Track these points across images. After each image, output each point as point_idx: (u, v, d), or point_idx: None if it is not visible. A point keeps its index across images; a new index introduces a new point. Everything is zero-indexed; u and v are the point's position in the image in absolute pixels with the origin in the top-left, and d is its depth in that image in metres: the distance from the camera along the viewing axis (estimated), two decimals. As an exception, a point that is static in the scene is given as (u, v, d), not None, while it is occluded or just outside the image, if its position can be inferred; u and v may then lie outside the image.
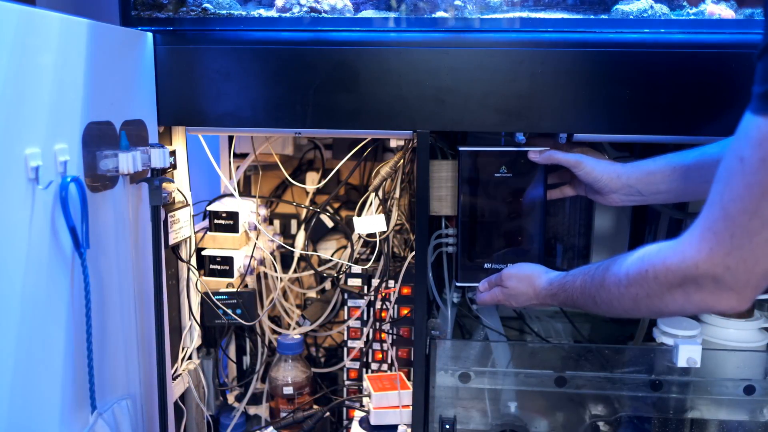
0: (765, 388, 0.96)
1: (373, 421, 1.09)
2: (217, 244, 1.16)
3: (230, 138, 1.24)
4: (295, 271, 1.24)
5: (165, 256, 1.02)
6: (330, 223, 1.31)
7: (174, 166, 1.05)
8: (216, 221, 1.15)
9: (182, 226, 1.07)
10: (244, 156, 1.25)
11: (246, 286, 1.18)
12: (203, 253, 1.15)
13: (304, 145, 1.35)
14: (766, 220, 0.57)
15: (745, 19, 0.94)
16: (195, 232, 1.13)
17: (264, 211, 1.22)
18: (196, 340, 1.16)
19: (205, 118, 0.98)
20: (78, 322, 0.77)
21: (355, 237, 1.17)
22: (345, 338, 1.20)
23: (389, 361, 1.18)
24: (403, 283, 1.13)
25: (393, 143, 1.08)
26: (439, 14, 0.97)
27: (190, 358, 1.14)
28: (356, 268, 1.17)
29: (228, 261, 1.14)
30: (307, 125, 0.97)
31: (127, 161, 0.83)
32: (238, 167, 1.22)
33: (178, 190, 1.07)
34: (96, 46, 0.81)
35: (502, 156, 1.00)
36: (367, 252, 1.19)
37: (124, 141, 0.86)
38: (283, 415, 1.18)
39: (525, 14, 0.97)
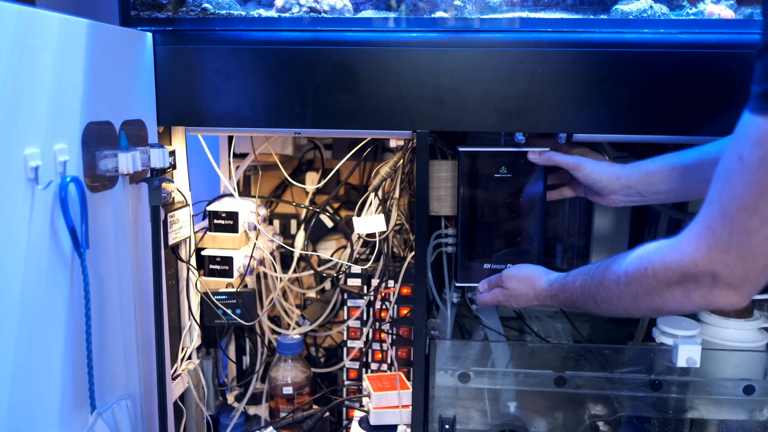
0: (764, 388, 0.96)
1: (372, 421, 1.09)
2: (216, 244, 1.16)
3: (230, 138, 1.24)
4: (294, 271, 1.25)
5: (164, 256, 1.02)
6: (330, 223, 1.31)
7: (173, 166, 1.05)
8: (216, 221, 1.15)
9: (182, 226, 1.07)
10: (243, 156, 1.25)
11: (246, 286, 1.18)
12: (203, 253, 1.15)
13: (303, 145, 1.35)
14: (765, 219, 0.57)
15: (744, 19, 0.94)
16: (195, 232, 1.13)
17: (264, 211, 1.22)
18: (196, 340, 1.16)
19: (205, 118, 0.98)
20: (77, 322, 0.77)
21: (354, 237, 1.17)
22: (345, 338, 1.20)
23: (389, 361, 1.18)
24: (403, 283, 1.13)
25: (393, 143, 1.08)
26: (439, 14, 0.97)
27: (189, 358, 1.15)
28: (356, 268, 1.17)
29: (228, 261, 1.14)
30: (307, 125, 0.97)
31: (127, 161, 0.83)
32: (237, 167, 1.22)
33: (178, 190, 1.07)
34: (95, 46, 0.81)
35: (501, 156, 1.00)
36: (367, 252, 1.19)
37: (123, 141, 0.86)
38: (282, 415, 1.18)
39: (524, 14, 0.97)
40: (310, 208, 1.27)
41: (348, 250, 1.20)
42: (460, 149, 1.00)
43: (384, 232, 1.10)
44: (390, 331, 1.16)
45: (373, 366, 1.19)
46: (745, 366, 0.97)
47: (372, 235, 1.12)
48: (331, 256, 1.27)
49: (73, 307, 0.77)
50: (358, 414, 1.15)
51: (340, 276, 1.19)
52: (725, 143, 0.61)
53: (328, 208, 1.30)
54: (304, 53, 0.95)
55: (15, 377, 0.68)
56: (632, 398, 0.99)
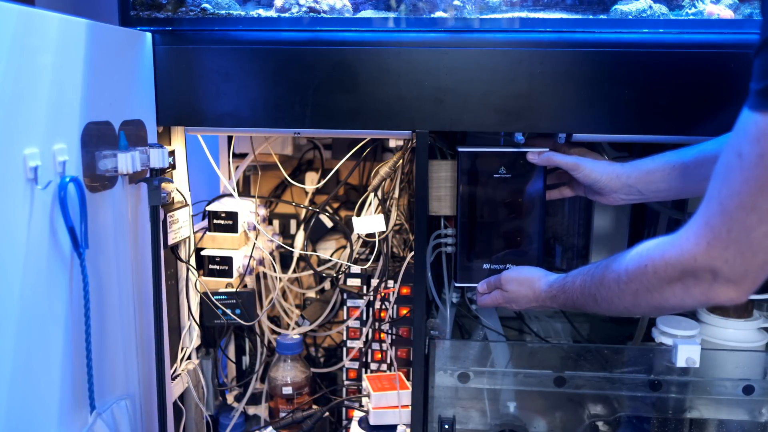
0: (764, 388, 0.96)
1: (372, 421, 1.09)
2: (216, 244, 1.16)
3: (229, 138, 1.24)
4: (294, 271, 1.25)
5: (164, 256, 1.02)
6: (329, 223, 1.31)
7: (173, 166, 1.05)
8: (215, 221, 1.15)
9: (181, 226, 1.07)
10: (243, 156, 1.25)
11: (245, 286, 1.18)
12: (202, 253, 1.15)
13: (303, 145, 1.35)
14: (764, 215, 0.57)
15: (744, 19, 0.94)
16: (194, 232, 1.13)
17: (263, 211, 1.22)
18: (196, 340, 1.16)
19: (204, 118, 0.98)
20: (77, 322, 0.77)
21: (354, 237, 1.17)
22: (344, 338, 1.20)
23: (388, 361, 1.18)
24: (403, 283, 1.13)
25: (392, 143, 1.08)
26: (438, 14, 0.97)
27: (189, 358, 1.14)
28: (355, 268, 1.17)
29: (227, 261, 1.14)
30: (306, 125, 0.97)
31: (126, 161, 0.83)
32: (237, 167, 1.22)
33: (177, 190, 1.07)
34: (95, 46, 0.81)
35: (501, 156, 1.00)
36: (367, 252, 1.19)
37: (123, 141, 0.86)
38: (282, 415, 1.18)
39: (524, 14, 0.97)
40: (310, 208, 1.27)
41: (347, 250, 1.20)
42: (460, 149, 1.00)
43: (383, 232, 1.10)
44: (389, 331, 1.16)
45: (373, 366, 1.19)
46: (744, 366, 0.97)
47: (371, 235, 1.12)
48: (331, 256, 1.28)
49: (73, 308, 0.77)
50: (357, 414, 1.15)
51: (340, 276, 1.19)
52: (725, 141, 0.61)
53: (327, 208, 1.30)
54: (303, 53, 0.95)
55: (14, 377, 0.68)
56: (632, 398, 0.99)
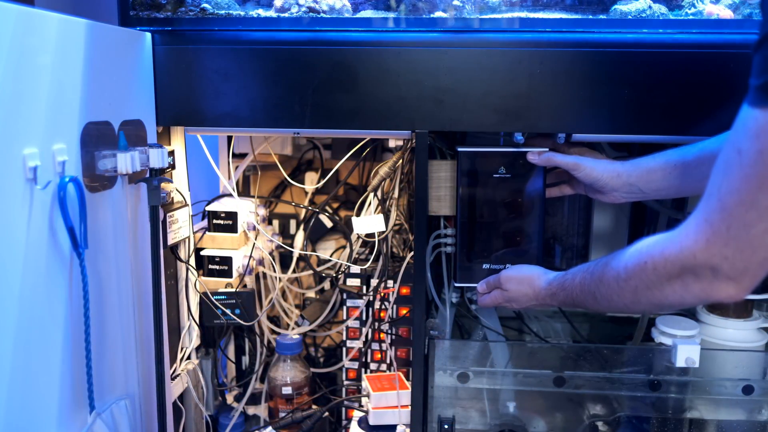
0: (763, 388, 0.96)
1: (371, 421, 1.09)
2: (215, 244, 1.16)
3: (229, 138, 1.24)
4: (294, 271, 1.25)
5: (164, 256, 1.02)
6: (329, 223, 1.31)
7: (173, 166, 1.05)
8: (215, 221, 1.15)
9: (181, 226, 1.07)
10: (243, 156, 1.25)
11: (245, 286, 1.18)
12: (202, 253, 1.15)
13: (303, 145, 1.35)
14: (763, 212, 0.57)
15: (743, 19, 0.94)
16: (194, 232, 1.13)
17: (263, 211, 1.22)
18: (195, 340, 1.16)
19: (204, 118, 0.98)
20: (76, 322, 0.77)
21: (354, 237, 1.17)
22: (344, 338, 1.20)
23: (388, 361, 1.18)
24: (402, 283, 1.13)
25: (392, 143, 1.08)
26: (438, 14, 0.97)
27: (188, 358, 1.14)
28: (355, 268, 1.17)
29: (227, 261, 1.14)
30: (306, 125, 0.97)
31: (126, 161, 0.83)
32: (237, 167, 1.22)
33: (177, 190, 1.07)
34: (94, 47, 0.81)
35: (500, 156, 1.00)
36: (366, 252, 1.19)
37: (122, 141, 0.86)
38: (281, 415, 1.18)
39: (524, 14, 0.97)
40: (310, 208, 1.27)
41: (347, 250, 1.20)
42: (459, 149, 1.00)
43: (383, 232, 1.10)
44: (389, 331, 1.16)
45: (373, 366, 1.19)
46: (744, 366, 0.97)
47: (371, 235, 1.12)
48: (331, 256, 1.27)
49: (72, 308, 0.76)
50: (357, 414, 1.15)
51: (340, 276, 1.19)
52: (726, 138, 0.61)
53: (327, 208, 1.30)
54: (303, 53, 0.95)
55: (14, 377, 0.68)
56: (631, 398, 0.99)
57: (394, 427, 1.08)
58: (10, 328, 0.67)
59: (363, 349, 1.19)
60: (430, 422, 1.02)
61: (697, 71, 0.91)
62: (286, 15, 1.00)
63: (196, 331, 1.15)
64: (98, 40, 0.82)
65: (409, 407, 1.05)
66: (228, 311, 1.15)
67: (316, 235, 1.33)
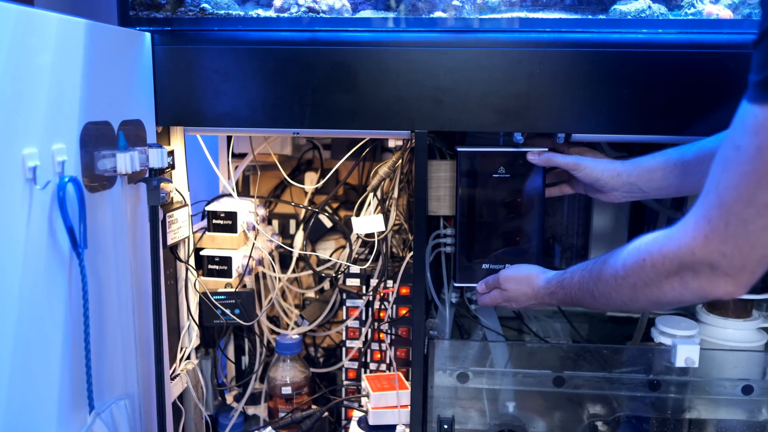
0: (763, 388, 0.96)
1: (371, 421, 1.09)
2: (215, 244, 1.16)
3: (229, 138, 1.24)
4: (293, 271, 1.25)
5: (163, 256, 1.02)
6: (328, 223, 1.31)
7: (172, 166, 1.05)
8: (214, 221, 1.15)
9: (180, 226, 1.07)
10: (242, 156, 1.25)
11: (244, 286, 1.18)
12: (202, 253, 1.15)
13: (302, 145, 1.35)
14: (762, 209, 0.57)
15: (742, 19, 0.94)
16: (193, 232, 1.13)
17: (262, 211, 1.22)
18: (195, 340, 1.16)
19: (204, 118, 0.98)
20: (76, 322, 0.77)
21: (353, 237, 1.17)
22: (343, 338, 1.20)
23: (388, 361, 1.18)
24: (402, 283, 1.13)
25: (391, 143, 1.08)
26: (438, 14, 0.97)
27: (188, 358, 1.14)
28: (355, 268, 1.17)
29: (226, 261, 1.14)
30: (306, 125, 0.97)
31: (125, 161, 0.83)
32: (236, 167, 1.22)
33: (177, 190, 1.07)
34: (94, 46, 0.81)
35: (500, 156, 1.00)
36: (366, 252, 1.19)
37: (122, 141, 0.86)
38: (281, 415, 1.18)
39: (523, 14, 0.97)
40: (309, 208, 1.27)
41: (347, 250, 1.20)
42: (459, 149, 1.00)
43: (383, 232, 1.10)
44: (389, 331, 1.16)
45: (372, 366, 1.19)
46: (743, 366, 0.97)
47: (371, 235, 1.12)
48: (330, 256, 1.27)
49: (72, 308, 0.76)
50: (356, 414, 1.15)
51: (339, 276, 1.19)
52: (724, 135, 0.60)
53: (326, 208, 1.30)
54: (302, 53, 0.95)
55: (13, 377, 0.67)
56: (631, 398, 0.99)
57: (393, 427, 1.08)
58: (10, 328, 0.67)
59: (362, 349, 1.19)
60: (429, 422, 1.02)
61: (697, 71, 0.91)
62: (286, 15, 1.00)
63: (195, 331, 1.15)
64: (98, 40, 0.82)
65: (409, 407, 1.05)
66: (227, 311, 1.15)
67: (315, 235, 1.33)
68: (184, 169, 1.10)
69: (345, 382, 1.22)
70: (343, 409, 1.22)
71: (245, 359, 1.32)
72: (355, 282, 1.17)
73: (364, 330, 1.18)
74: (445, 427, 1.01)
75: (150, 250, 0.92)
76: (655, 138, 0.95)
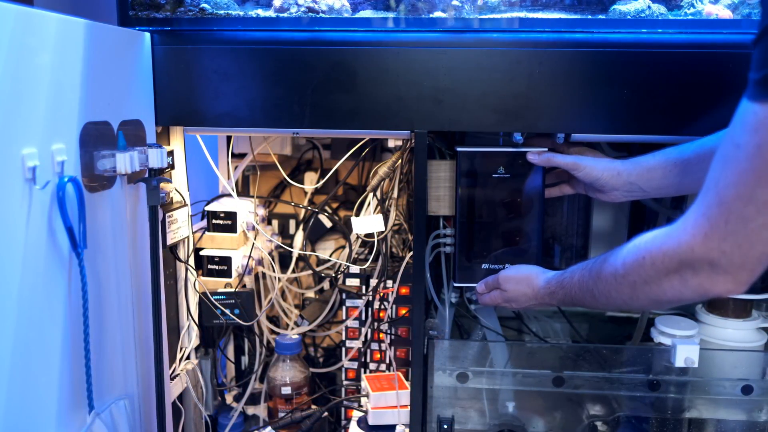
0: (762, 388, 0.96)
1: (371, 421, 1.09)
2: (215, 244, 1.16)
3: (228, 138, 1.24)
4: (293, 271, 1.24)
5: (163, 256, 1.02)
6: (328, 223, 1.31)
7: (172, 166, 1.05)
8: (214, 221, 1.15)
9: (180, 226, 1.07)
10: (242, 156, 1.25)
11: (244, 286, 1.18)
12: (201, 253, 1.15)
13: (302, 145, 1.35)
14: (761, 207, 0.57)
15: (742, 19, 0.94)
16: (193, 232, 1.13)
17: (262, 211, 1.22)
18: (194, 340, 1.16)
19: (203, 118, 0.98)
20: (75, 322, 0.77)
21: (353, 237, 1.17)
22: (343, 338, 1.20)
23: (387, 361, 1.18)
24: (401, 283, 1.13)
25: (391, 143, 1.08)
26: (437, 14, 0.97)
27: (188, 358, 1.14)
28: (354, 268, 1.17)
29: (226, 261, 1.14)
30: (305, 125, 0.97)
31: (125, 161, 0.83)
32: (236, 167, 1.22)
33: (176, 190, 1.07)
34: (94, 46, 0.81)
35: (499, 156, 1.00)
36: (366, 252, 1.19)
37: (121, 141, 0.86)
38: (281, 415, 1.18)
39: (523, 14, 0.97)
40: (309, 208, 1.27)
41: (346, 250, 1.20)
42: (459, 149, 1.00)
43: (382, 232, 1.10)
44: (388, 331, 1.16)
45: (372, 366, 1.19)
46: (743, 366, 0.97)
47: (370, 235, 1.12)
48: (330, 256, 1.27)
49: (71, 308, 0.76)
50: (356, 414, 1.15)
51: (339, 276, 1.19)
52: (724, 134, 0.60)
53: (326, 208, 1.30)
54: (302, 53, 0.95)
55: (12, 377, 0.67)
56: (630, 398, 0.99)
57: (393, 427, 1.08)
58: (10, 328, 0.67)
59: (362, 349, 1.19)
60: (429, 422, 1.02)
61: (697, 71, 0.91)
62: (285, 15, 1.00)
63: (195, 331, 1.15)
64: (97, 40, 0.82)
65: (409, 407, 1.05)
66: (227, 311, 1.15)
67: (315, 235, 1.33)
68: (184, 169, 1.10)
69: (345, 382, 1.22)
70: (342, 409, 1.22)
71: (245, 359, 1.32)
72: (355, 282, 1.17)
73: (363, 330, 1.18)
74: (445, 427, 1.01)
75: (150, 250, 0.92)
76: (655, 138, 0.95)
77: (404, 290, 1.14)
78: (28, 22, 0.69)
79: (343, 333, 1.19)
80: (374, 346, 1.18)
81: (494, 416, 1.03)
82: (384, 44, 0.94)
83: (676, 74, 0.91)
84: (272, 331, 1.25)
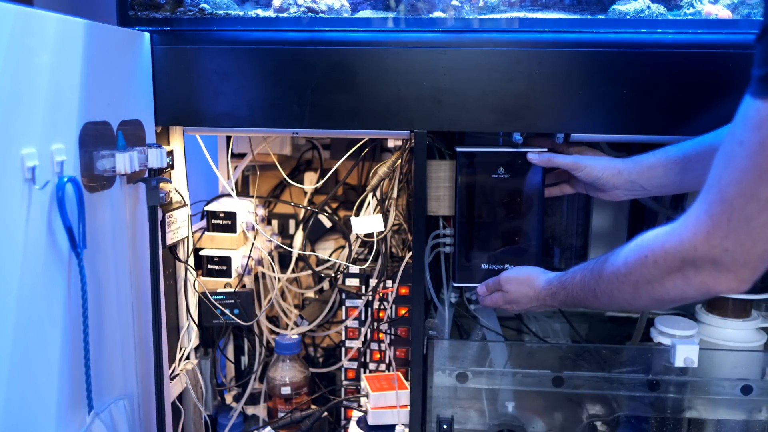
0: (762, 388, 0.96)
1: (370, 421, 1.09)
2: (214, 244, 1.16)
3: (228, 138, 1.24)
4: (293, 271, 1.24)
5: (162, 256, 1.02)
6: (328, 223, 1.31)
7: (171, 166, 1.05)
8: (214, 221, 1.15)
9: (180, 226, 1.07)
10: (242, 156, 1.25)
11: (244, 286, 1.18)
12: (201, 253, 1.15)
13: (302, 145, 1.35)
14: (764, 204, 0.56)
15: (741, 19, 0.94)
16: (193, 232, 1.13)
17: (262, 211, 1.22)
18: (194, 340, 1.16)
19: (203, 118, 0.98)
20: (75, 322, 0.77)
21: (353, 237, 1.17)
22: (343, 338, 1.20)
23: (387, 361, 1.18)
24: (401, 283, 1.13)
25: (391, 143, 1.08)
26: (437, 14, 0.97)
27: (187, 358, 1.14)
28: (354, 268, 1.17)
29: (226, 261, 1.14)
30: (305, 125, 0.97)
31: (125, 161, 0.83)
32: (236, 167, 1.22)
33: (176, 190, 1.07)
34: (93, 46, 0.81)
35: (499, 156, 1.00)
36: (365, 252, 1.19)
37: (121, 141, 0.86)
38: (280, 415, 1.18)
39: (522, 14, 0.97)
40: (309, 208, 1.27)
41: (346, 250, 1.20)
42: (458, 149, 1.00)
43: (382, 232, 1.10)
44: (388, 331, 1.16)
45: (372, 366, 1.19)
46: (742, 366, 0.97)
47: (370, 235, 1.12)
48: (330, 256, 1.27)
49: (71, 308, 0.76)
50: (356, 414, 1.15)
51: (339, 276, 1.19)
52: (726, 132, 0.60)
53: (326, 208, 1.30)
54: (301, 53, 0.95)
55: (12, 377, 0.67)
56: (630, 398, 0.99)
57: (392, 427, 1.08)
58: (9, 328, 0.67)
59: (362, 349, 1.19)
60: (428, 422, 1.02)
61: (696, 71, 0.91)
62: (285, 15, 1.00)
63: (195, 331, 1.15)
64: (97, 40, 0.82)
65: (408, 407, 1.05)
66: (227, 311, 1.15)
67: (315, 235, 1.33)
68: (184, 169, 1.10)
69: (344, 382, 1.22)
70: (342, 409, 1.22)
71: (244, 359, 1.32)
72: (355, 282, 1.17)
73: (363, 330, 1.18)
74: (445, 427, 1.01)
75: (149, 250, 0.92)
76: (654, 138, 0.95)
77: (404, 290, 1.14)
78: (28, 22, 0.69)
79: (343, 333, 1.19)
80: (374, 346, 1.18)
81: (494, 416, 1.03)
82: (384, 44, 0.94)
83: (675, 74, 0.91)
84: (272, 331, 1.25)
